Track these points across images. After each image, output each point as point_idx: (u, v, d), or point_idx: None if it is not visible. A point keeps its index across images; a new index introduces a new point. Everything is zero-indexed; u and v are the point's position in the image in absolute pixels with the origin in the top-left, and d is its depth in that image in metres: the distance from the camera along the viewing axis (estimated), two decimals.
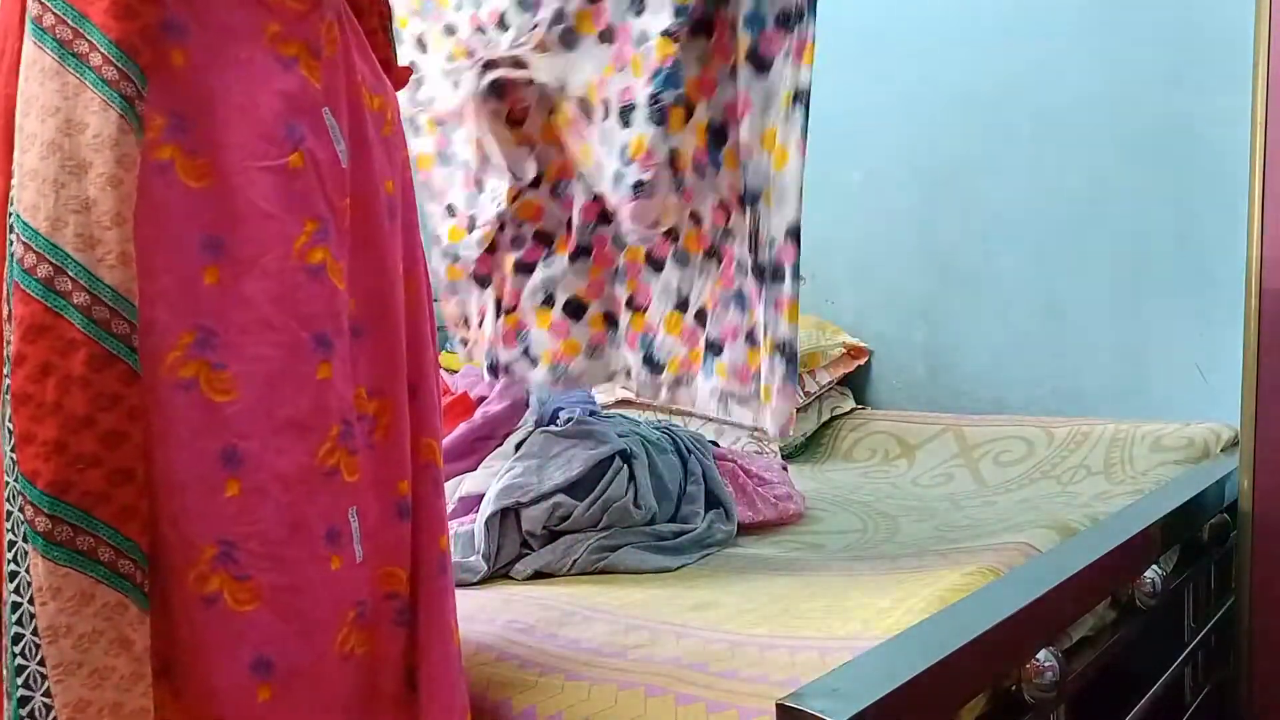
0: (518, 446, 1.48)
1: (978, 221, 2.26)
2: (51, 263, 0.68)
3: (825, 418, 2.30)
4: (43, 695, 0.68)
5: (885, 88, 2.36)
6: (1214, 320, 1.96)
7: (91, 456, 0.68)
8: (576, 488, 1.40)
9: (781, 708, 0.72)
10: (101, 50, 0.70)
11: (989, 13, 2.21)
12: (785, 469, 1.77)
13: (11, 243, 0.70)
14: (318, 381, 0.78)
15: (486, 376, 1.53)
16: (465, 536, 1.36)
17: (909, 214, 2.35)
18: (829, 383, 2.30)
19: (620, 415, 1.80)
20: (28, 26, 0.71)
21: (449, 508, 1.23)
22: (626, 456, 1.46)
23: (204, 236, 0.74)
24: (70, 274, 0.68)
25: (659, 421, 2.03)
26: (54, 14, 0.70)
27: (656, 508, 1.45)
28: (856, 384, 2.43)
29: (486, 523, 1.35)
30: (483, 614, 1.18)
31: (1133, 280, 2.08)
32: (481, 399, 1.59)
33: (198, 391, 0.73)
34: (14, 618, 0.68)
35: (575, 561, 1.36)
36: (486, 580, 1.35)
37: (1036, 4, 2.16)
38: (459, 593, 0.98)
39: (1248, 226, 1.34)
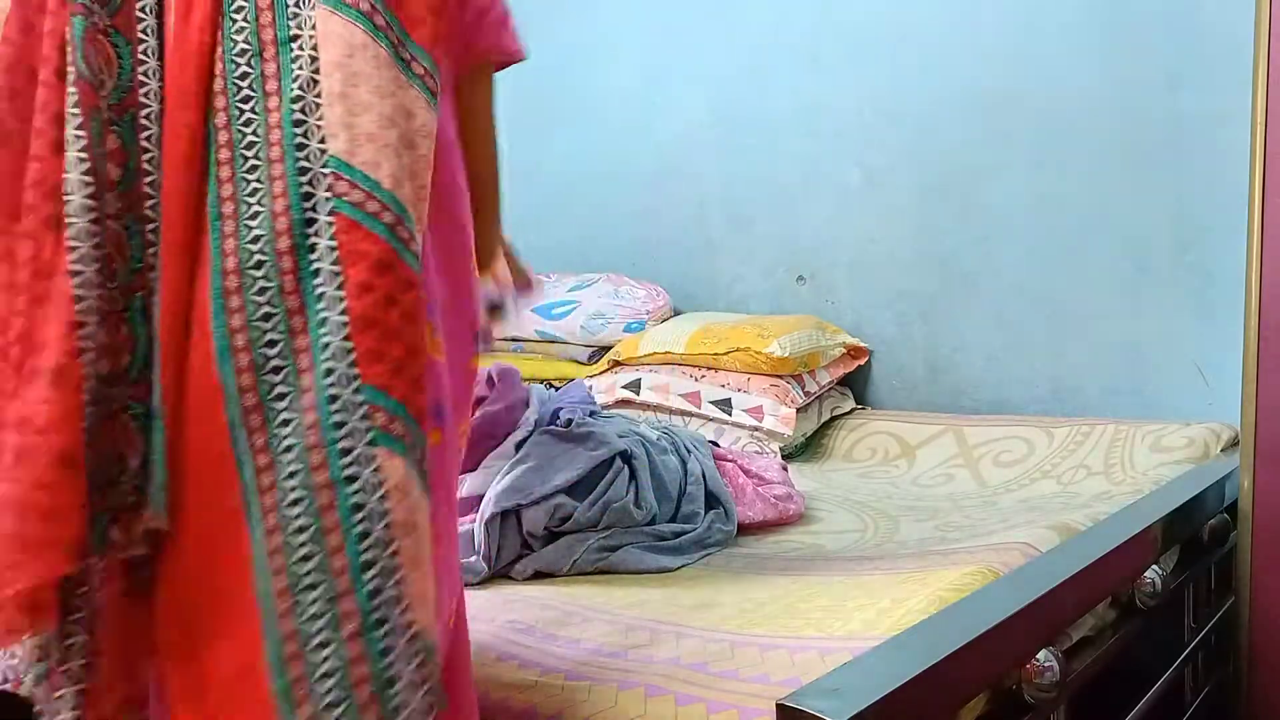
0: (518, 447, 1.48)
1: (978, 221, 2.26)
2: (394, 213, 0.79)
3: (825, 418, 2.30)
4: (392, 585, 0.74)
5: (885, 87, 2.36)
6: (1214, 320, 1.96)
7: (420, 381, 0.78)
8: (577, 488, 1.40)
9: (781, 708, 0.72)
10: (423, 64, 0.84)
11: (989, 13, 2.21)
12: (785, 469, 1.77)
13: (304, 184, 0.79)
14: (469, 369, 0.94)
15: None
16: (465, 537, 1.36)
17: (909, 214, 2.35)
18: (829, 383, 2.30)
19: (620, 415, 1.80)
20: (346, 13, 0.81)
21: None
22: (627, 457, 1.46)
23: (435, 222, 0.86)
24: (408, 226, 0.80)
25: (658, 422, 2.03)
26: (384, 19, 0.83)
27: (657, 508, 1.45)
28: (856, 384, 2.44)
29: (487, 524, 1.36)
30: (483, 614, 1.18)
31: (1133, 280, 2.08)
32: (481, 399, 1.58)
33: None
34: (357, 517, 0.74)
35: (575, 561, 1.36)
36: (486, 580, 1.35)
37: (1037, 4, 2.16)
38: None
39: (1248, 226, 1.34)
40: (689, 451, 1.57)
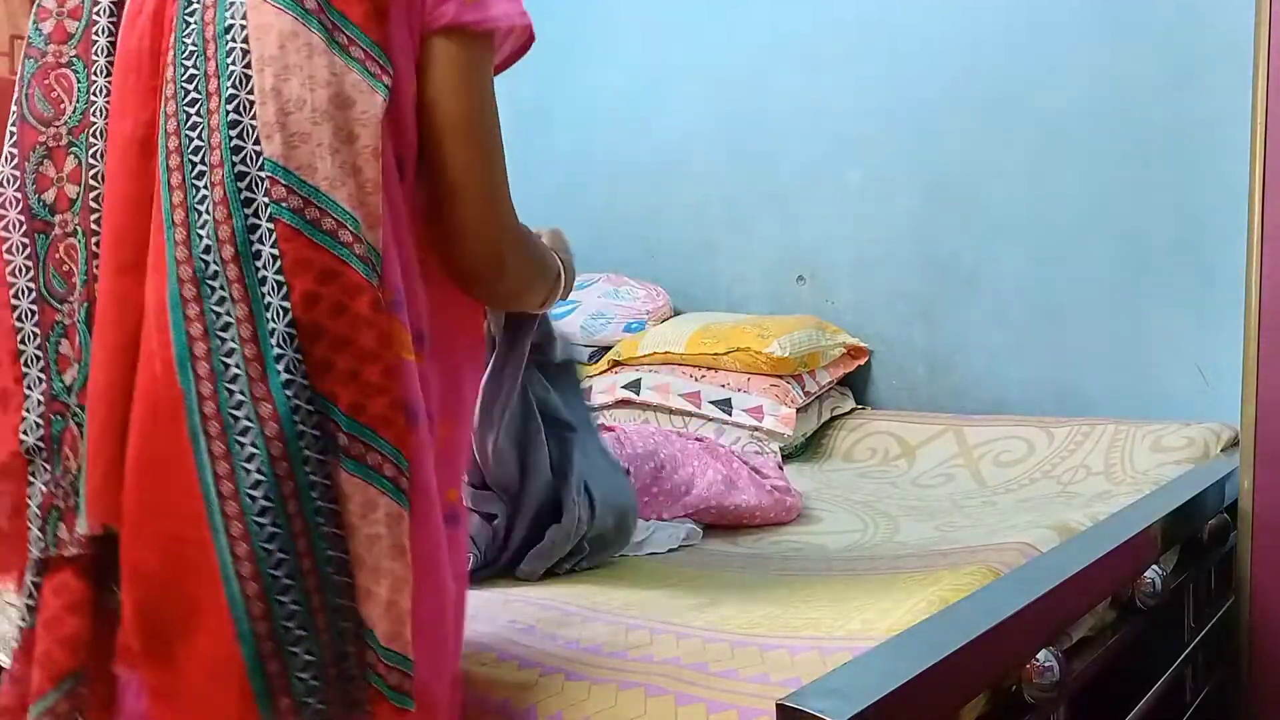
0: None
1: (978, 221, 2.26)
2: (334, 218, 0.78)
3: (825, 418, 2.30)
4: (345, 578, 0.78)
5: (886, 87, 2.36)
6: (1214, 320, 1.96)
7: (378, 386, 0.78)
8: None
9: (781, 708, 0.72)
10: (362, 46, 0.80)
11: (989, 13, 2.21)
12: (781, 467, 1.77)
13: (244, 190, 0.78)
14: (475, 381, 0.94)
15: None
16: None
17: (909, 214, 2.35)
18: (829, 383, 2.30)
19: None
20: (279, 3, 0.79)
21: None
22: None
23: (405, 226, 0.84)
24: (351, 229, 0.78)
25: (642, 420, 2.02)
26: (316, 1, 0.79)
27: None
28: (856, 384, 2.43)
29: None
30: (483, 614, 1.18)
31: (1133, 280, 2.08)
32: None
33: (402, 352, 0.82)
34: (321, 519, 0.77)
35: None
36: (487, 581, 1.35)
37: (1037, 4, 2.16)
38: None
39: (1248, 226, 1.34)
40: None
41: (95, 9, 0.88)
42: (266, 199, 0.77)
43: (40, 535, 0.84)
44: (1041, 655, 0.94)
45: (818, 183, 2.48)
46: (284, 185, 0.77)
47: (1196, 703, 1.39)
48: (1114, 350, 2.11)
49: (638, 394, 2.28)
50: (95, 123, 0.86)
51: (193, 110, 0.80)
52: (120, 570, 0.81)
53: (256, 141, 0.78)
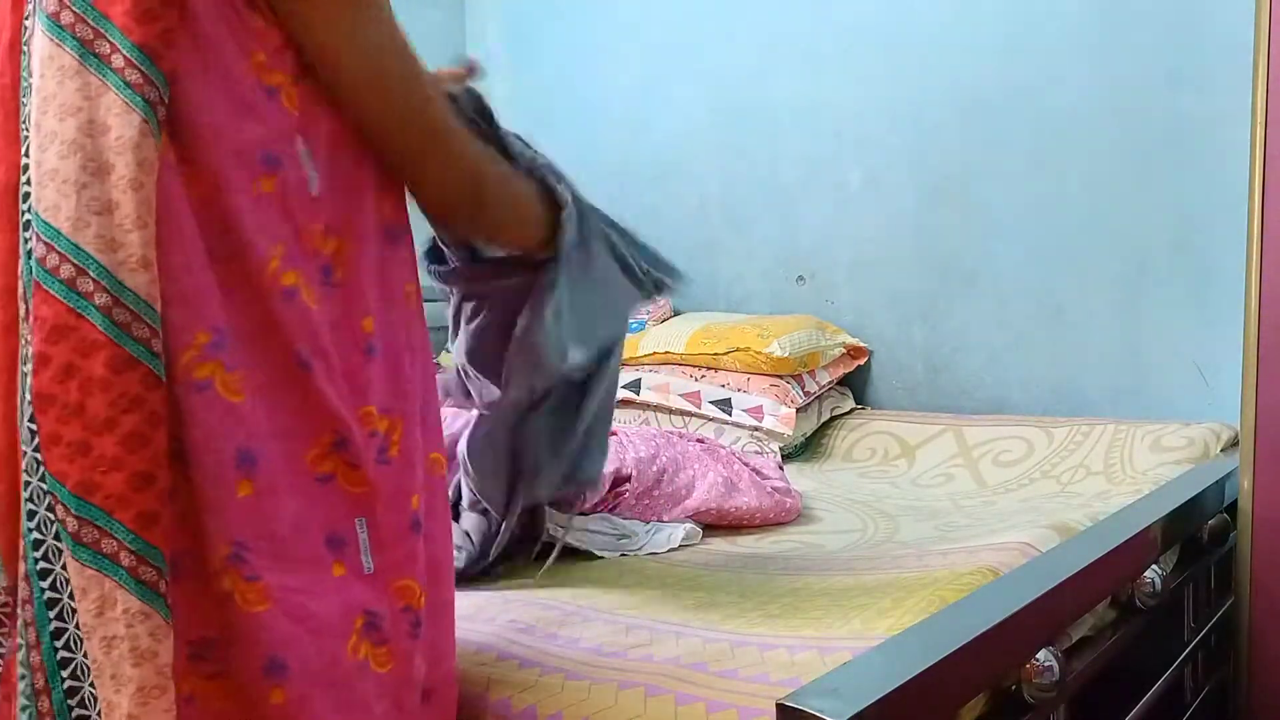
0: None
1: (978, 221, 2.26)
2: (74, 264, 0.68)
3: (825, 418, 2.30)
4: (90, 685, 0.69)
5: (886, 88, 2.36)
6: (1214, 320, 1.96)
7: (113, 459, 0.68)
8: None
9: (781, 708, 0.72)
10: (124, 53, 0.69)
11: (989, 13, 2.22)
12: (782, 468, 1.77)
13: (28, 240, 0.70)
14: (302, 394, 0.78)
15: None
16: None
17: (909, 214, 2.35)
18: (829, 383, 2.30)
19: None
20: (42, 22, 0.70)
21: None
22: None
23: (205, 243, 0.74)
24: (92, 275, 0.68)
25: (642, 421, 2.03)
26: (73, 11, 0.70)
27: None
28: (856, 384, 2.44)
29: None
30: (483, 614, 1.18)
31: (1133, 280, 2.08)
32: None
33: (213, 391, 0.72)
34: (53, 613, 0.69)
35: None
36: (487, 581, 1.35)
37: (1037, 3, 2.16)
38: (457, 594, 0.98)
39: (1248, 226, 1.34)
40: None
41: None
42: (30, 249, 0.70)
43: None
44: (1041, 655, 0.94)
45: (818, 183, 2.48)
46: (35, 232, 0.69)
47: (1196, 703, 1.39)
48: (1114, 350, 2.11)
49: (638, 394, 2.28)
50: None
51: (25, 155, 0.73)
52: None
53: (29, 184, 0.71)
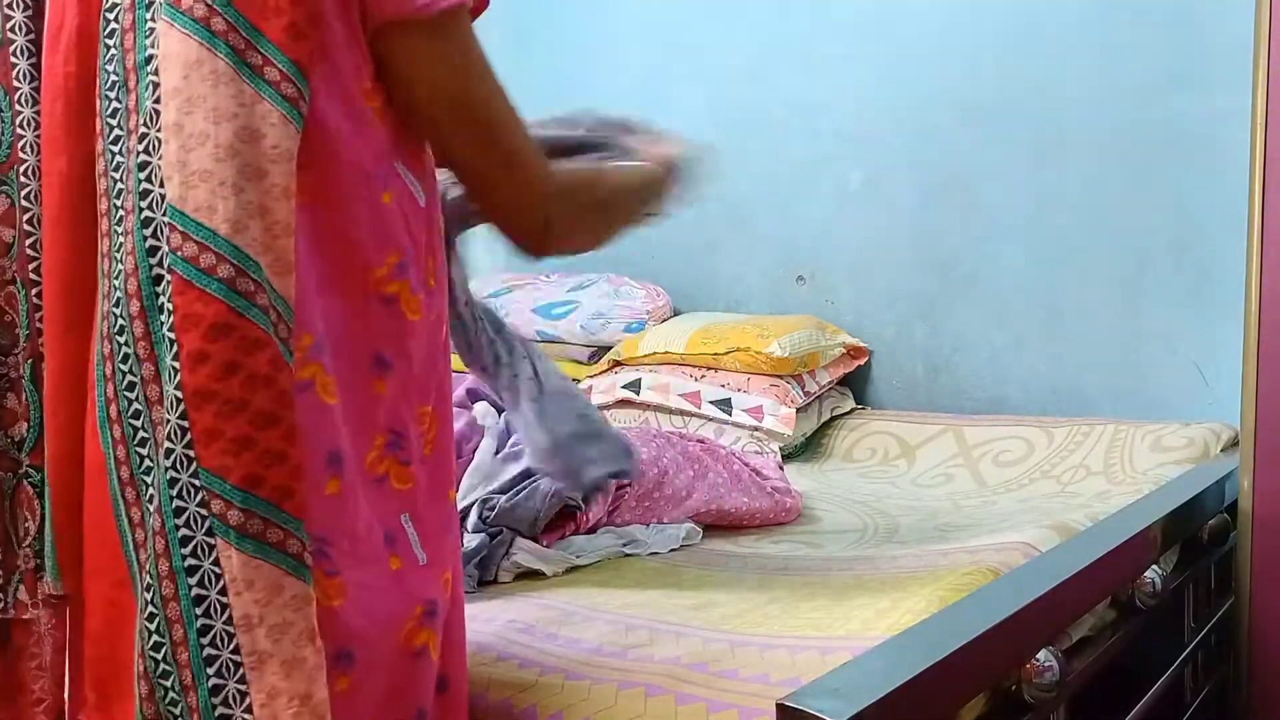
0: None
1: (978, 221, 2.26)
2: (233, 264, 0.70)
3: (825, 418, 2.30)
4: (236, 683, 0.70)
5: (886, 87, 2.36)
6: (1214, 320, 1.96)
7: (279, 453, 0.71)
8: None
9: (781, 708, 0.72)
10: (279, 66, 0.72)
11: (989, 13, 2.21)
12: (782, 468, 1.77)
13: (149, 237, 0.72)
14: (372, 395, 0.81)
15: None
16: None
17: (909, 214, 2.35)
18: (829, 383, 2.30)
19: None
20: (184, 24, 0.71)
21: None
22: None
23: (316, 248, 0.76)
24: (253, 276, 0.71)
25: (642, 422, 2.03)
26: (225, 20, 0.71)
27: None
28: (856, 384, 2.43)
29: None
30: (483, 614, 1.18)
31: (1133, 280, 2.08)
32: None
33: (314, 393, 0.75)
34: (199, 610, 0.70)
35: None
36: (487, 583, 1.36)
37: (1037, 3, 2.16)
38: None
39: (1248, 226, 1.34)
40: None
41: (9, 25, 0.81)
42: (167, 246, 0.71)
43: (1, 597, 0.81)
44: (1041, 655, 0.94)
45: (818, 183, 2.48)
46: (180, 231, 0.70)
47: (1196, 703, 1.39)
48: (1114, 350, 2.11)
49: (638, 394, 2.28)
50: (25, 159, 0.80)
51: (116, 149, 0.74)
52: (70, 627, 0.79)
53: (161, 184, 0.71)
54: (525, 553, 1.37)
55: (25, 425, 0.81)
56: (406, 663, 0.82)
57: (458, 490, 1.36)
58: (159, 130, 0.72)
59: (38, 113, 0.79)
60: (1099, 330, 2.12)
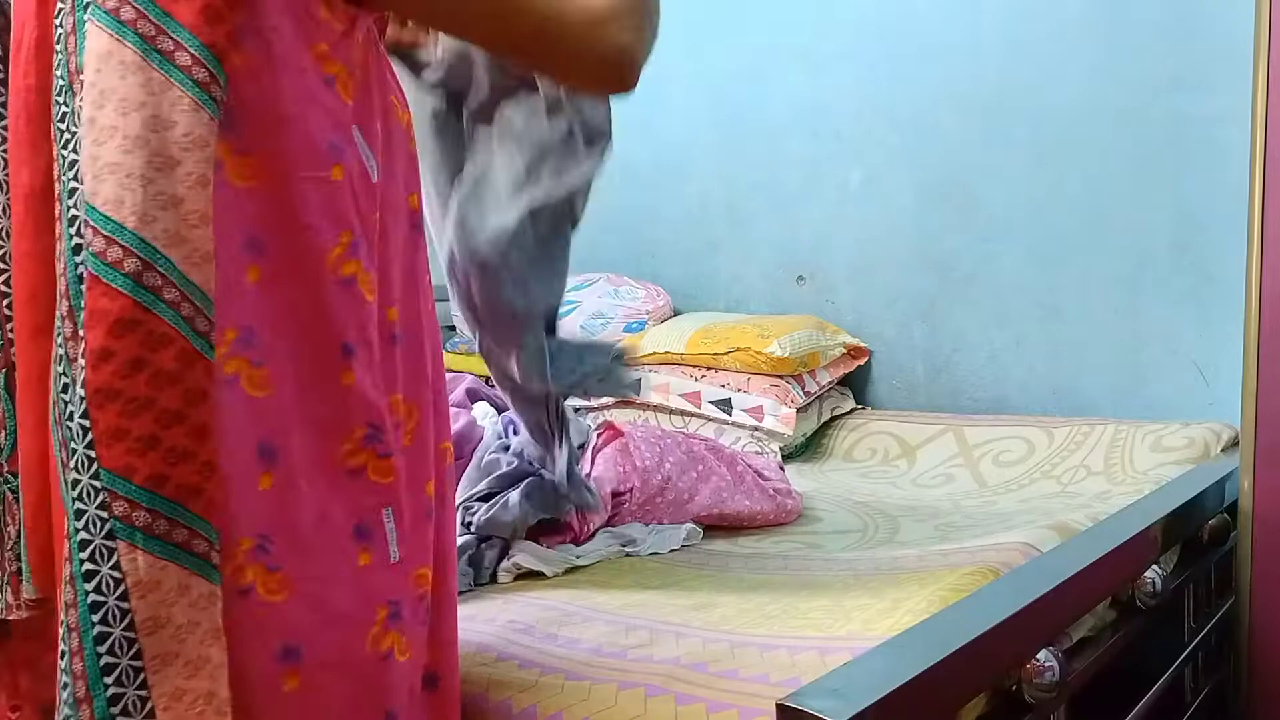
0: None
1: (978, 221, 2.26)
2: (140, 257, 0.69)
3: (825, 418, 2.30)
4: (136, 689, 0.69)
5: (885, 88, 2.36)
6: (1214, 320, 1.96)
7: (184, 450, 0.69)
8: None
9: (781, 708, 0.72)
10: (190, 51, 0.70)
11: (989, 13, 2.21)
12: (783, 468, 1.77)
13: (73, 236, 0.71)
14: (341, 387, 0.79)
15: None
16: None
17: (909, 214, 2.35)
18: (829, 383, 2.30)
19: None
20: (98, 18, 0.70)
21: None
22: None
23: (247, 236, 0.74)
24: (160, 269, 0.69)
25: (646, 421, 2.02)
26: (134, 8, 0.70)
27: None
28: (856, 384, 2.43)
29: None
30: (483, 614, 1.18)
31: (1133, 280, 2.08)
32: None
33: (239, 387, 0.74)
34: (96, 617, 0.68)
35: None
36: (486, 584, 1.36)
37: (1037, 4, 2.16)
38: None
39: (1248, 226, 1.34)
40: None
41: None
42: (84, 243, 0.69)
43: None
44: (1041, 655, 0.94)
45: (818, 183, 2.48)
46: (92, 226, 0.69)
47: (1196, 703, 1.39)
48: (1114, 350, 2.11)
49: (638, 394, 2.28)
50: None
51: (67, 152, 0.73)
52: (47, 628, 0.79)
53: (81, 180, 0.70)
54: (525, 553, 1.37)
55: (2, 434, 0.81)
56: (371, 666, 0.80)
57: (457, 490, 1.37)
58: (80, 128, 0.71)
59: (3, 128, 0.79)
60: (1099, 330, 2.12)
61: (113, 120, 0.70)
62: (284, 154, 0.75)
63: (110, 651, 0.68)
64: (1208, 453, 1.79)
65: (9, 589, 0.81)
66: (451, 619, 0.94)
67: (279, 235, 0.75)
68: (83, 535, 0.69)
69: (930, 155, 2.31)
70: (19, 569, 0.81)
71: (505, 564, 1.36)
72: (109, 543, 0.68)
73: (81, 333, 0.69)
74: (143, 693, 0.69)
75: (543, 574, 1.36)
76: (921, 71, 2.31)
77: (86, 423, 0.69)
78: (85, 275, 0.69)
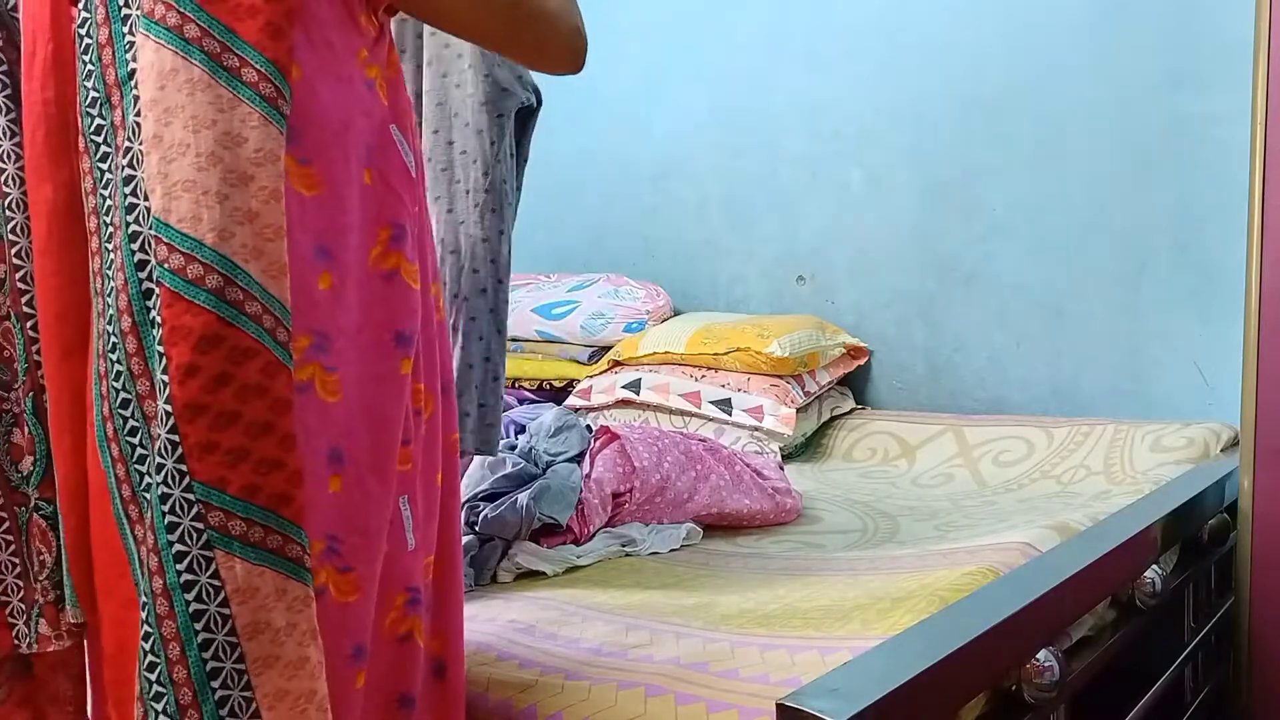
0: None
1: (978, 221, 2.26)
2: (221, 273, 0.70)
3: (825, 418, 2.30)
4: (241, 691, 0.70)
5: (886, 87, 2.36)
6: (1214, 320, 1.96)
7: (275, 460, 0.71)
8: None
9: (781, 708, 0.72)
10: (256, 67, 0.71)
11: (990, 13, 2.21)
12: (782, 468, 1.77)
13: (135, 252, 0.71)
14: (401, 377, 0.82)
15: None
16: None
17: (909, 214, 2.35)
18: (829, 383, 2.30)
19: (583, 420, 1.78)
20: (157, 33, 0.71)
21: None
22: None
23: (316, 244, 0.76)
24: (240, 284, 0.70)
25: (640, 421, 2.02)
26: (198, 26, 0.70)
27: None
28: (856, 384, 2.43)
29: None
30: (483, 614, 1.18)
31: (1133, 280, 2.08)
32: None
33: (313, 393, 0.75)
34: (199, 625, 0.69)
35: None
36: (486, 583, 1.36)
37: (1037, 4, 2.16)
38: None
39: (1248, 226, 1.34)
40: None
41: None
42: (155, 260, 0.70)
43: (26, 631, 0.82)
44: (1041, 655, 0.94)
45: (818, 183, 2.48)
46: (167, 244, 0.70)
47: (1196, 703, 1.39)
48: (1114, 350, 2.11)
49: (638, 394, 2.28)
50: (9, 193, 0.79)
51: (105, 166, 0.73)
52: (90, 649, 0.80)
53: (146, 197, 0.71)
54: (526, 553, 1.37)
55: (31, 459, 0.82)
56: (392, 648, 0.82)
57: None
58: (141, 144, 0.71)
59: (17, 145, 0.79)
60: (1099, 330, 2.12)
61: (182, 137, 0.70)
62: (338, 161, 0.77)
63: (215, 657, 0.69)
64: (1207, 453, 1.79)
65: (42, 620, 0.81)
66: (458, 610, 0.94)
67: (344, 238, 0.77)
68: (179, 547, 0.70)
69: (931, 155, 2.31)
70: (57, 596, 0.81)
71: (506, 563, 1.36)
72: (206, 552, 0.70)
73: (157, 349, 0.70)
74: (247, 694, 0.70)
75: (543, 574, 1.36)
76: (922, 71, 2.31)
77: (175, 438, 0.70)
78: (161, 291, 0.70)
